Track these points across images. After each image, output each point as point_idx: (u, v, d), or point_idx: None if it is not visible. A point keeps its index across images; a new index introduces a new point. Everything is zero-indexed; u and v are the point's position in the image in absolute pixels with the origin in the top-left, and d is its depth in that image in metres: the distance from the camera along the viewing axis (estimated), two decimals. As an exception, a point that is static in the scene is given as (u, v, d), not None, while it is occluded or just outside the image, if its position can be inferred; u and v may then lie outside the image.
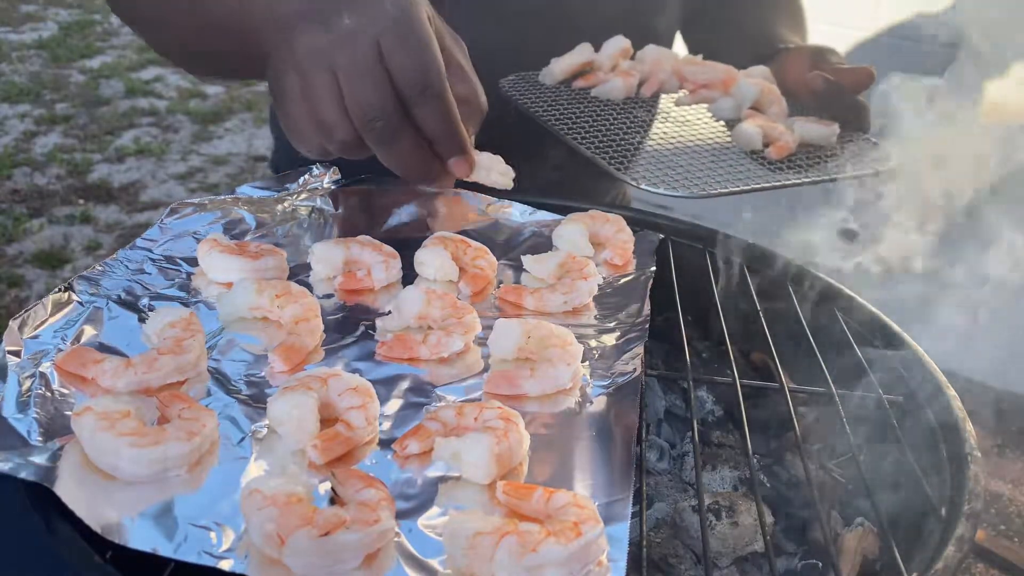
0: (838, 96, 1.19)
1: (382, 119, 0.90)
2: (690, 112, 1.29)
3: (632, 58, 1.36)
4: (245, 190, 1.21)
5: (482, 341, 0.95)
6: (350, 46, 0.87)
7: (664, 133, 1.20)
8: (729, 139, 1.19)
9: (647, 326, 1.00)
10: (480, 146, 1.05)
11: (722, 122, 1.25)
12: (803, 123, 1.18)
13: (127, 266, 1.02)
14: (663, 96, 1.33)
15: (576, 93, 1.27)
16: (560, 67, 1.30)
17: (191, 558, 0.65)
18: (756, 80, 1.24)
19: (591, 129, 1.16)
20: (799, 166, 1.13)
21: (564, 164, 1.19)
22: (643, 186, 1.04)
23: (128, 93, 5.71)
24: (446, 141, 0.96)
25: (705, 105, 1.30)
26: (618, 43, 1.34)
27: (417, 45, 0.89)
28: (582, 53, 1.31)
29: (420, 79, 0.90)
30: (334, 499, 0.72)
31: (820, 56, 1.25)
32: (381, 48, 0.88)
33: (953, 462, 0.87)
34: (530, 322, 0.92)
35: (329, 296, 1.03)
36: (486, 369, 0.91)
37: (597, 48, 1.34)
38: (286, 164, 1.56)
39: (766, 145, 1.16)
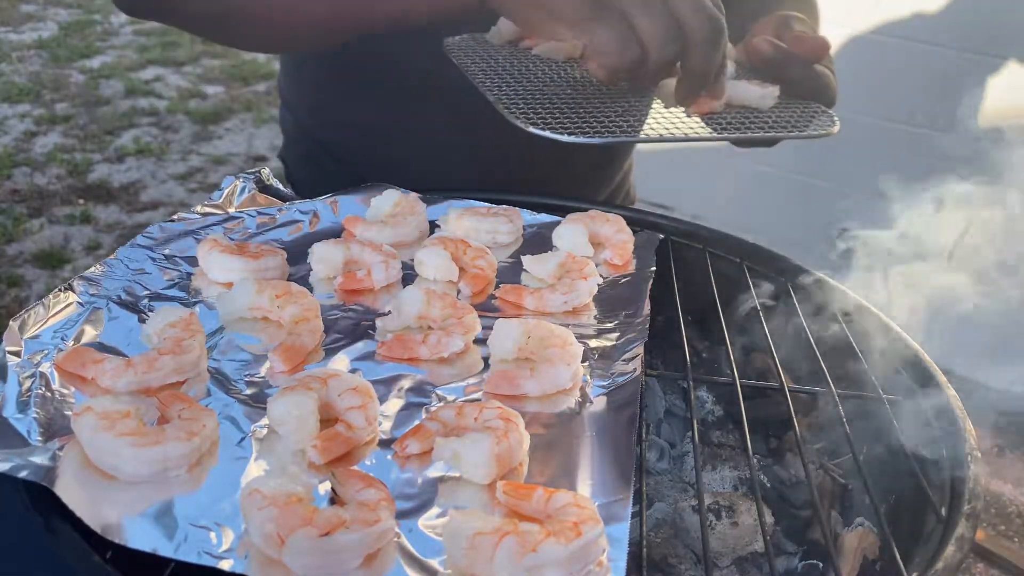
0: (788, 63, 1.17)
1: (677, 40, 0.95)
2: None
3: None
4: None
5: (482, 341, 0.95)
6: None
7: (589, 88, 1.17)
8: (660, 99, 1.16)
9: (647, 326, 1.00)
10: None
11: (662, 82, 1.22)
12: (736, 83, 1.16)
13: (127, 266, 1.02)
14: None
15: (518, 52, 1.24)
16: (508, 26, 1.26)
17: (191, 558, 0.65)
18: (729, 63, 1.21)
19: (511, 80, 1.13)
20: (717, 124, 1.10)
21: (566, 159, 1.17)
22: (531, 128, 1.01)
23: (128, 93, 5.71)
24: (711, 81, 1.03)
25: None
26: None
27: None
28: None
29: (713, 26, 0.97)
30: (334, 499, 0.72)
31: (783, 23, 1.23)
32: None
33: (953, 462, 0.87)
34: (530, 322, 0.92)
35: (329, 296, 1.03)
36: (486, 369, 0.91)
37: None
38: (294, 158, 1.57)
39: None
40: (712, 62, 0.99)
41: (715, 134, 1.07)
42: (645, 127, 1.07)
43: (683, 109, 1.11)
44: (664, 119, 1.09)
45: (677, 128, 1.07)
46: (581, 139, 1.00)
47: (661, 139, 1.04)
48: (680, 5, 0.95)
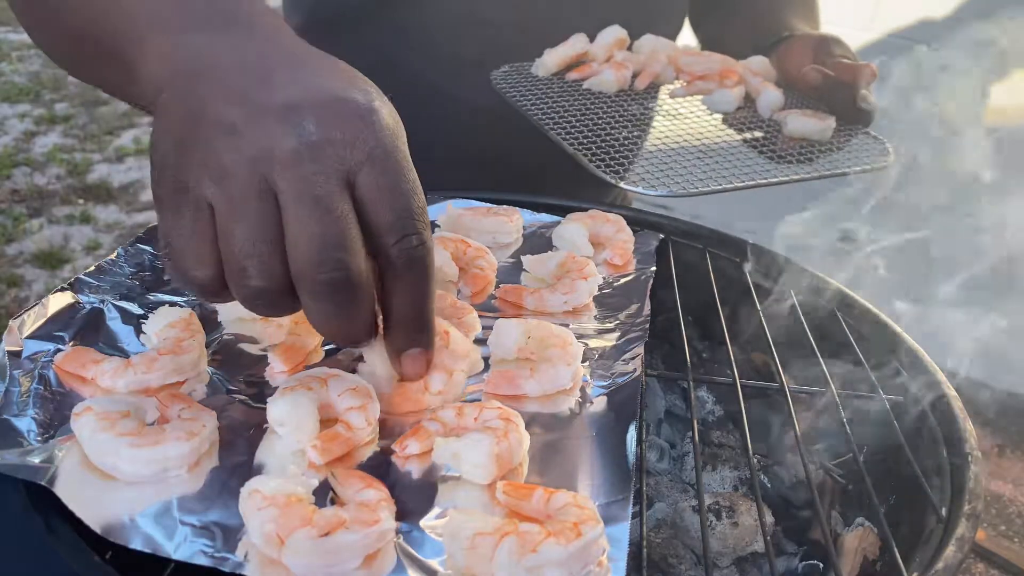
0: (837, 91, 1.17)
1: (343, 264, 0.61)
2: (684, 105, 1.27)
3: (629, 48, 1.33)
4: None
5: (482, 341, 0.95)
6: (315, 162, 0.59)
7: (655, 127, 1.18)
8: (720, 134, 1.18)
9: (647, 326, 1.00)
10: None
11: (716, 116, 1.23)
12: (796, 117, 1.16)
13: (127, 266, 1.02)
14: (658, 88, 1.30)
15: (568, 85, 1.25)
16: (553, 58, 1.26)
17: (191, 558, 0.65)
18: (776, 90, 1.22)
19: (577, 124, 1.14)
20: (789, 163, 1.11)
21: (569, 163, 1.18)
22: (623, 184, 1.02)
23: (128, 93, 5.70)
24: (413, 328, 0.71)
25: (700, 97, 1.27)
26: (613, 33, 1.30)
27: (407, 193, 0.64)
28: (576, 44, 1.28)
29: (406, 242, 0.65)
30: (334, 499, 0.72)
31: (823, 47, 1.22)
32: (357, 182, 0.62)
33: (953, 462, 0.87)
34: (530, 322, 0.92)
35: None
36: (487, 369, 0.91)
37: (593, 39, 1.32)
38: None
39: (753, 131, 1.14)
40: (334, 327, 0.66)
41: (794, 176, 1.08)
42: (728, 174, 1.08)
43: (744, 144, 1.12)
44: (739, 160, 1.10)
45: (756, 172, 1.08)
46: (677, 194, 1.01)
47: (746, 186, 1.05)
48: (295, 217, 0.60)
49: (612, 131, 1.13)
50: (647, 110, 1.21)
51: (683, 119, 1.22)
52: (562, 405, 0.87)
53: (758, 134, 1.19)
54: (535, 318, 0.95)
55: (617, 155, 1.07)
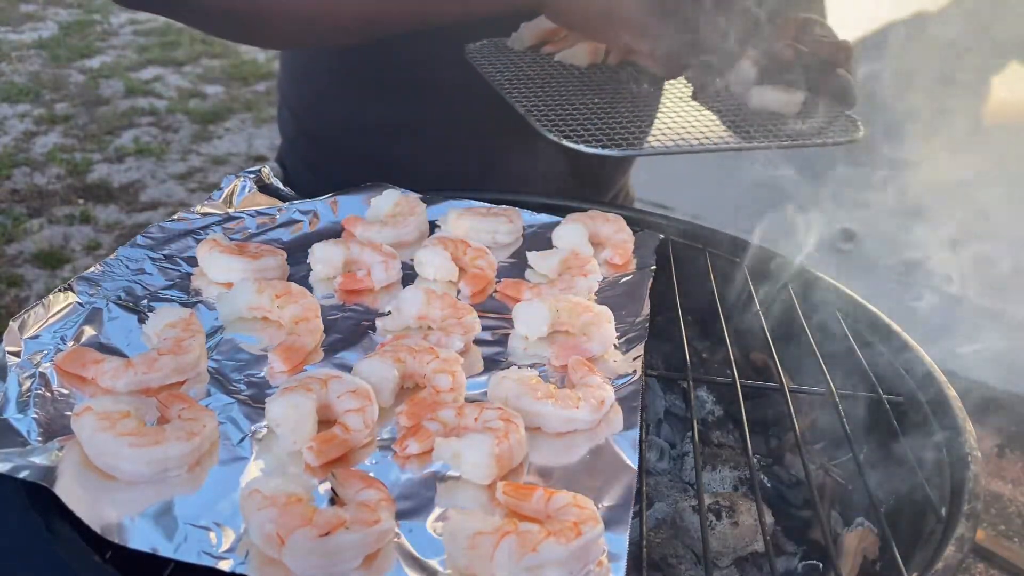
0: (812, 68, 1.17)
1: None
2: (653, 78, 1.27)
3: None
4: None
5: (482, 341, 0.96)
6: None
7: (616, 96, 1.17)
8: (687, 105, 1.17)
9: (647, 326, 1.00)
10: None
11: (686, 89, 1.22)
12: (762, 90, 1.16)
13: (127, 266, 1.02)
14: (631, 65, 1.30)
15: (540, 58, 1.24)
16: (529, 31, 1.26)
17: (191, 558, 0.65)
18: (749, 65, 1.22)
19: (538, 91, 1.14)
20: (745, 132, 1.10)
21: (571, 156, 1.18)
22: (565, 142, 1.01)
23: (128, 93, 5.70)
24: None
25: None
26: None
27: None
28: None
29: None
30: (334, 499, 0.72)
31: (803, 27, 1.23)
32: None
33: (953, 462, 0.87)
34: (551, 297, 0.97)
35: (329, 296, 1.03)
36: (486, 369, 0.91)
37: None
38: (293, 160, 1.56)
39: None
40: None
41: (745, 144, 1.07)
42: (676, 137, 1.07)
43: (713, 116, 1.12)
44: (694, 128, 1.10)
45: (707, 138, 1.08)
46: (614, 152, 1.01)
47: (692, 150, 1.05)
48: None
49: (572, 97, 1.12)
50: (614, 82, 1.21)
51: (648, 89, 1.21)
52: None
53: (726, 106, 1.18)
54: (551, 294, 0.98)
55: (568, 118, 1.07)
